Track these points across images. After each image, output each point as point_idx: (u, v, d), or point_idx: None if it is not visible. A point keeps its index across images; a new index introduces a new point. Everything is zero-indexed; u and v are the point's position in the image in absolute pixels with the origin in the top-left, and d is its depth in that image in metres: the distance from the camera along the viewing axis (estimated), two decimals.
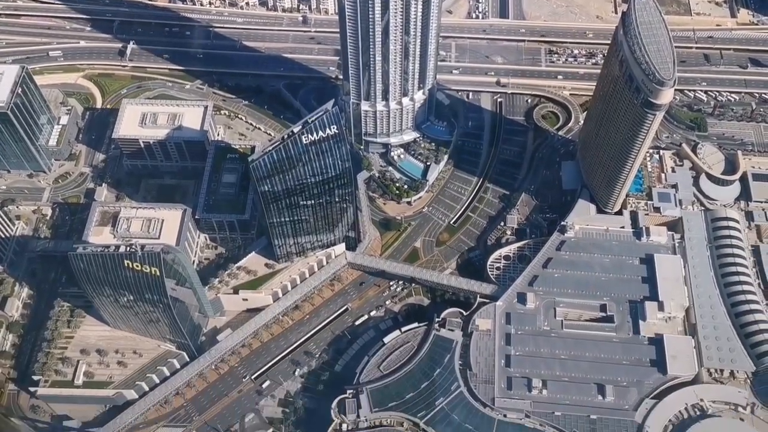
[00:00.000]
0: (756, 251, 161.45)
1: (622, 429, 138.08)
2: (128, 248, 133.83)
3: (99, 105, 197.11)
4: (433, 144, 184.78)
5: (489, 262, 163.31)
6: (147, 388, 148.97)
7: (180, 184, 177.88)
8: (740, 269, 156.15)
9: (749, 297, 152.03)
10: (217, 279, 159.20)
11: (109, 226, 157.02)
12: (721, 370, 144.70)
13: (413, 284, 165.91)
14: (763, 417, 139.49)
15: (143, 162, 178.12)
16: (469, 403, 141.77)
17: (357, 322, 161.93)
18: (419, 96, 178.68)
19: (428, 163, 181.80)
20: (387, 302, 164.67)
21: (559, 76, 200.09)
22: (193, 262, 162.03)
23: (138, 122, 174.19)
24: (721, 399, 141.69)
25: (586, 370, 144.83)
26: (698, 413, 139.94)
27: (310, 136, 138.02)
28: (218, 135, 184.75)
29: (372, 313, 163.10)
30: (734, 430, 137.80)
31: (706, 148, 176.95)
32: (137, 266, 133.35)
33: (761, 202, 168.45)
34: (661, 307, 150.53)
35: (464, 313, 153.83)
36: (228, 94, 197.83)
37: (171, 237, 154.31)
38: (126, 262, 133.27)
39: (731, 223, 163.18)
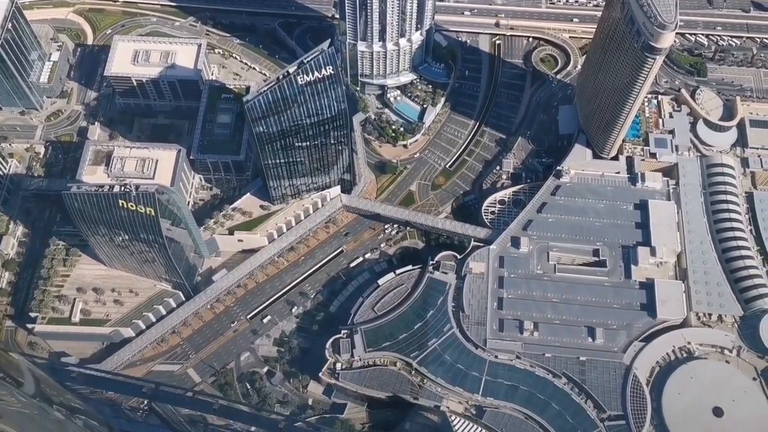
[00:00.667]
0: (750, 198, 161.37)
1: (610, 370, 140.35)
2: (122, 188, 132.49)
3: (90, 41, 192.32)
4: (430, 86, 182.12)
5: (484, 207, 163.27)
6: (144, 326, 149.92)
7: (174, 123, 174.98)
8: (733, 216, 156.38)
9: (740, 243, 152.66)
10: (212, 220, 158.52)
11: (102, 166, 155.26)
12: (710, 314, 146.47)
13: (408, 227, 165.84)
14: (748, 360, 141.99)
15: (136, 101, 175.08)
16: (461, 344, 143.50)
17: (352, 264, 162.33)
18: (417, 37, 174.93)
19: (425, 106, 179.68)
20: (382, 245, 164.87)
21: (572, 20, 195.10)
22: (188, 202, 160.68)
23: (130, 60, 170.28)
24: (708, 342, 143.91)
25: (577, 313, 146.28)
26: (685, 355, 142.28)
27: (305, 76, 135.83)
28: (212, 74, 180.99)
29: (366, 256, 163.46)
30: (720, 372, 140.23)
31: (705, 93, 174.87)
32: (132, 206, 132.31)
33: (757, 148, 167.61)
34: (653, 252, 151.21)
35: (458, 256, 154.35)
36: (222, 33, 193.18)
37: (165, 177, 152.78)
38: (120, 202, 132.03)
39: (726, 170, 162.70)
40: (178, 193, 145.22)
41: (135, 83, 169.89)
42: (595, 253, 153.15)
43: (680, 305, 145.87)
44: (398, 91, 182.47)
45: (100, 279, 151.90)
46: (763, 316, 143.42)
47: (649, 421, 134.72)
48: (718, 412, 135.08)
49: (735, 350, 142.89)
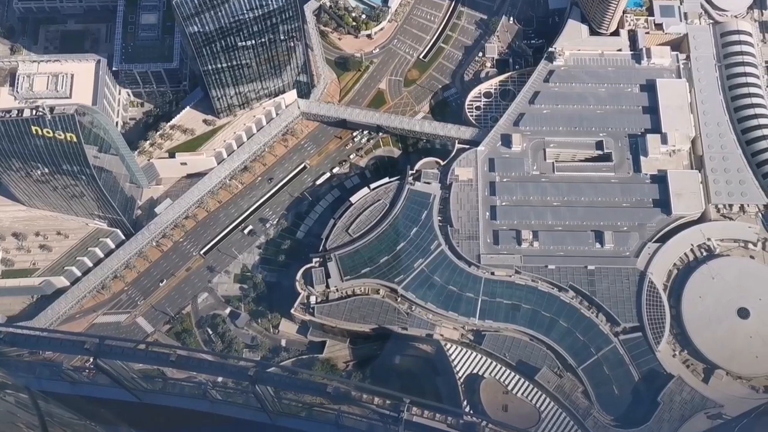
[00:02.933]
0: None
1: (623, 278, 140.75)
2: (34, 111, 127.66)
3: None
4: None
5: (467, 102, 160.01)
6: (79, 273, 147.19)
7: (88, 29, 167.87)
8: (752, 90, 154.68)
9: (762, 122, 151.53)
10: (148, 142, 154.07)
11: (6, 86, 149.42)
12: (731, 206, 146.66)
13: (380, 133, 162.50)
14: None
15: (38, 3, 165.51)
16: (451, 263, 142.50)
17: (318, 182, 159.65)
18: None
19: None
20: (351, 156, 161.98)
21: None
22: (117, 123, 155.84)
23: None
24: (730, 236, 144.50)
25: (581, 217, 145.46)
26: (705, 254, 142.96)
27: None
28: None
29: (334, 170, 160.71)
30: (744, 269, 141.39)
31: None
32: (48, 132, 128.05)
33: None
34: (664, 140, 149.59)
35: (441, 162, 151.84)
36: None
37: (85, 95, 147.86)
38: (34, 128, 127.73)
39: (743, 37, 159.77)
40: (102, 113, 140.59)
41: None
42: (599, 145, 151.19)
43: (697, 198, 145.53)
44: None
45: (20, 222, 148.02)
46: None
47: (668, 331, 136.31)
48: (743, 313, 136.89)
49: (760, 243, 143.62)
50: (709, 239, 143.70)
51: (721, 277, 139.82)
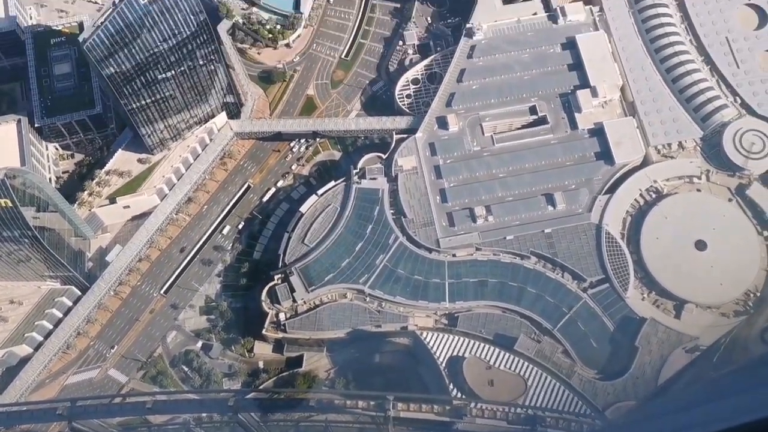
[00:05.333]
0: (681, 4, 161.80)
1: (580, 234, 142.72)
2: None
3: None
4: None
5: (397, 92, 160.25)
6: (41, 338, 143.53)
7: (1, 90, 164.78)
8: (669, 29, 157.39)
9: (683, 57, 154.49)
10: (86, 192, 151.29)
11: None
12: (669, 145, 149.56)
13: (318, 139, 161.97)
14: (720, 181, 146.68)
15: None
16: (412, 253, 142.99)
17: (264, 199, 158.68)
18: None
19: None
20: (293, 167, 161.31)
21: None
22: (50, 179, 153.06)
23: None
24: (675, 175, 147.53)
25: (529, 183, 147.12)
26: (654, 196, 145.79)
27: None
28: (31, 19, 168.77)
29: (279, 184, 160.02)
30: (693, 203, 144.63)
31: None
32: None
33: None
34: (594, 93, 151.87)
35: (383, 156, 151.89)
36: None
37: (12, 157, 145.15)
38: None
39: None
40: (33, 172, 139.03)
41: None
42: (532, 110, 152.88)
43: (636, 143, 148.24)
44: None
45: None
46: (724, 130, 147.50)
47: (633, 276, 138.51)
48: (701, 245, 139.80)
49: (704, 175, 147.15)
50: (655, 181, 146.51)
51: (673, 215, 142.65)
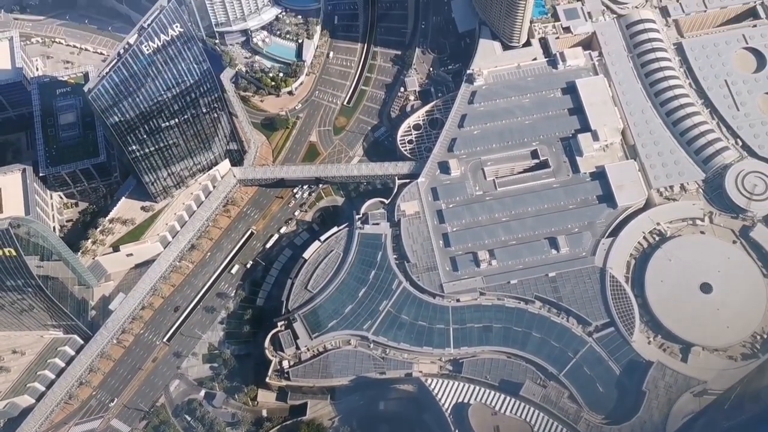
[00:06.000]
0: (680, 48, 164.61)
1: (584, 278, 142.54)
2: None
3: None
4: (300, 16, 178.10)
5: (399, 137, 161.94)
6: (43, 388, 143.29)
7: (7, 140, 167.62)
8: (668, 73, 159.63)
9: (683, 101, 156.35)
10: (90, 240, 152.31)
11: None
12: (671, 187, 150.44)
13: (320, 185, 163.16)
14: (723, 223, 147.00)
15: None
16: (416, 298, 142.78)
17: (268, 245, 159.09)
18: None
19: (300, 41, 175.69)
20: (296, 213, 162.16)
21: None
22: (54, 228, 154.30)
23: None
24: (678, 217, 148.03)
25: (532, 227, 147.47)
26: (657, 239, 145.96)
27: (150, 43, 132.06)
28: (37, 70, 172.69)
29: (282, 230, 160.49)
30: (697, 246, 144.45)
31: None
32: None
33: None
34: (595, 137, 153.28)
35: (386, 201, 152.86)
36: (34, 17, 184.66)
37: (16, 207, 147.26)
38: None
39: (647, 25, 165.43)
40: (37, 221, 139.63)
41: None
42: (534, 154, 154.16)
43: (639, 186, 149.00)
44: (264, 32, 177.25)
45: None
46: (726, 172, 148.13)
47: (638, 320, 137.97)
48: (706, 288, 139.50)
49: (707, 217, 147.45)
50: (658, 224, 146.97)
51: (678, 257, 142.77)
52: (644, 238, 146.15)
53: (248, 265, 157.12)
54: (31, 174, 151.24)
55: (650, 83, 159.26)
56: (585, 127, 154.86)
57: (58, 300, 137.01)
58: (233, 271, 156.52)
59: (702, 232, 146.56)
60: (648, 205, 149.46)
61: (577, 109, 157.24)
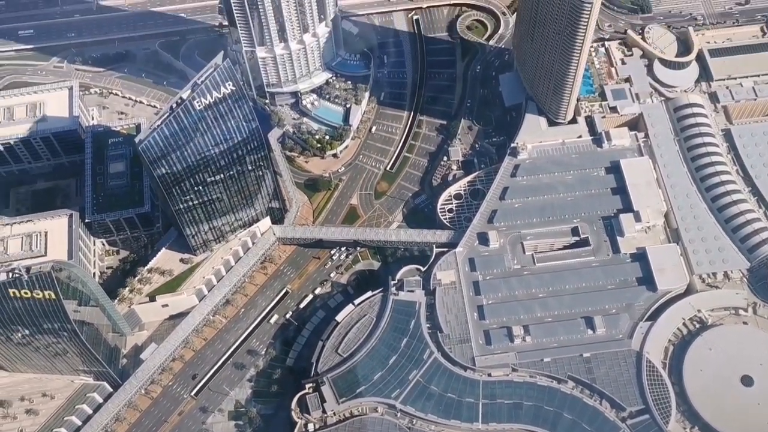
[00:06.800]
0: (728, 135, 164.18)
1: (620, 361, 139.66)
2: (10, 274, 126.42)
3: None
4: (350, 82, 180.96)
5: (439, 206, 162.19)
6: None
7: (57, 185, 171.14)
8: (714, 158, 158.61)
9: (730, 187, 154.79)
10: (127, 288, 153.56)
11: None
12: (714, 274, 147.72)
13: (358, 248, 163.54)
14: (767, 315, 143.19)
15: (6, 168, 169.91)
16: (447, 370, 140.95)
17: (302, 305, 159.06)
18: (322, 30, 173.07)
19: (348, 106, 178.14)
20: (332, 275, 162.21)
21: None
22: (94, 274, 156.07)
23: None
24: (720, 305, 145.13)
25: (569, 305, 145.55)
26: (698, 326, 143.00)
27: (202, 99, 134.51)
28: (93, 119, 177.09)
29: (317, 291, 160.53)
30: (739, 336, 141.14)
31: (654, 30, 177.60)
32: (26, 293, 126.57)
33: (723, 79, 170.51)
34: (637, 218, 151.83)
35: (422, 269, 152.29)
36: (94, 68, 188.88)
37: (60, 251, 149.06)
38: (11, 291, 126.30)
39: (696, 110, 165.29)
40: (79, 266, 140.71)
41: (1, 148, 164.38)
42: (575, 231, 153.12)
43: (680, 271, 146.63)
44: (314, 95, 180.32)
45: (3, 389, 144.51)
46: None
47: (675, 409, 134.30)
48: (747, 381, 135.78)
49: (750, 308, 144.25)
50: (699, 311, 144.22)
51: (718, 347, 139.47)
52: (684, 324, 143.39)
53: (283, 318, 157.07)
54: (77, 220, 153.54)
55: (696, 167, 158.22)
56: (628, 207, 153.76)
57: (91, 346, 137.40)
58: (272, 320, 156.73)
59: (744, 323, 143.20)
60: (689, 290, 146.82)
61: (621, 189, 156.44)
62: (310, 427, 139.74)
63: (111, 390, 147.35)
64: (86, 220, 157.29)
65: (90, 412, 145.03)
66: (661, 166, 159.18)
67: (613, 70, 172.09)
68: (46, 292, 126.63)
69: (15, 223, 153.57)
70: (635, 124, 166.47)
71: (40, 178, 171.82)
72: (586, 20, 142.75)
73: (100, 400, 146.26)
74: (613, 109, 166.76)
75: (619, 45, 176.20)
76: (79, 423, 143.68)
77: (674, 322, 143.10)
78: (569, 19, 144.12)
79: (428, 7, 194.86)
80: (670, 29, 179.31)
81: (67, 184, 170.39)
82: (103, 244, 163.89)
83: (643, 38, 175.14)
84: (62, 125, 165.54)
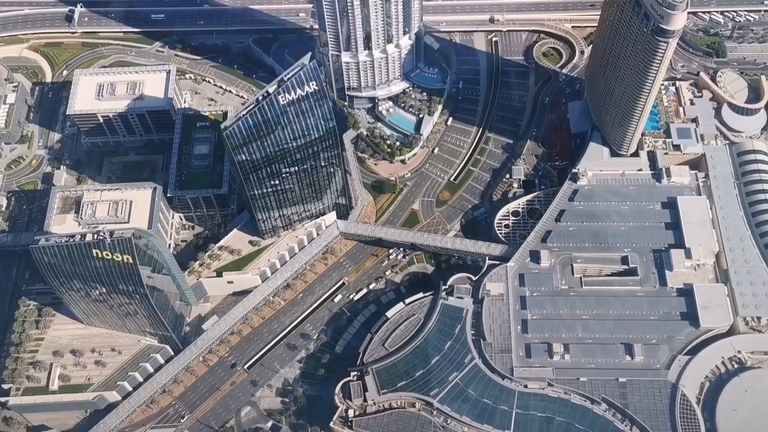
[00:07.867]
0: None
1: (654, 390, 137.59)
2: (95, 236, 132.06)
3: (49, 79, 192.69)
4: (425, 94, 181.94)
5: (496, 220, 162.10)
6: (130, 388, 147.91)
7: (146, 160, 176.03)
8: None
9: None
10: (198, 262, 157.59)
11: (72, 213, 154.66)
12: (759, 318, 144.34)
13: (414, 251, 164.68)
14: None
15: (104, 138, 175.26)
16: (485, 376, 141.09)
17: (356, 297, 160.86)
18: (405, 41, 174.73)
19: (421, 116, 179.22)
20: (387, 273, 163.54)
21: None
22: (169, 245, 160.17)
23: (94, 95, 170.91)
24: (761, 349, 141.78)
25: (611, 330, 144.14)
26: (736, 366, 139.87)
27: (287, 95, 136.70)
28: (185, 102, 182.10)
29: (371, 286, 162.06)
30: None
31: (727, 75, 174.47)
32: (107, 255, 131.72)
33: None
34: (688, 255, 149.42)
35: (473, 278, 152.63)
36: (192, 56, 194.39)
37: (142, 220, 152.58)
38: (95, 251, 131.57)
39: (759, 156, 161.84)
40: (157, 236, 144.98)
41: (101, 120, 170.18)
42: (624, 260, 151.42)
43: (725, 311, 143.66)
44: (390, 103, 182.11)
45: (78, 339, 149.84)
46: None
47: None
48: None
49: None
50: (739, 351, 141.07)
51: (755, 389, 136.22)
52: (722, 363, 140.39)
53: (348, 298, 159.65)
54: (160, 193, 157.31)
55: (753, 213, 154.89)
56: (679, 243, 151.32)
57: (159, 310, 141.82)
58: (336, 299, 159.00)
59: None
60: (732, 331, 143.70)
61: (675, 225, 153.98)
62: (351, 412, 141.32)
63: (172, 353, 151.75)
64: (168, 195, 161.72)
65: (151, 370, 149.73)
66: (718, 207, 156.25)
67: (681, 109, 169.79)
68: (124, 256, 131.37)
69: (105, 189, 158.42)
70: (697, 163, 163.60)
71: (132, 151, 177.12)
72: (660, 60, 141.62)
73: (162, 362, 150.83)
74: (677, 147, 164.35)
75: (690, 86, 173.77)
76: (141, 379, 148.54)
77: (713, 359, 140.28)
78: (643, 57, 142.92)
79: (508, 30, 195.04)
80: (742, 75, 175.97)
81: (155, 159, 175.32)
82: (181, 219, 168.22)
83: (715, 81, 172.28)
84: (157, 105, 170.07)
